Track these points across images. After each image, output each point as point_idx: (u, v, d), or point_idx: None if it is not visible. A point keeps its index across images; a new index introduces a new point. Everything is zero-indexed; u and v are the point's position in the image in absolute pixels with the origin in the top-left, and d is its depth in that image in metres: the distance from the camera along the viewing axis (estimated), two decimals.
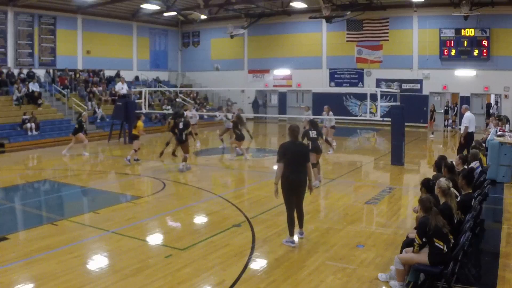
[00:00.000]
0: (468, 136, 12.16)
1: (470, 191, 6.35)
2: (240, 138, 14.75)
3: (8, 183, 11.49)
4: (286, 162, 6.58)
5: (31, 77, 22.52)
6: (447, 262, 4.79)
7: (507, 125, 14.04)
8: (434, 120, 21.61)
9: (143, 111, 19.41)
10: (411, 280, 5.26)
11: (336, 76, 27.56)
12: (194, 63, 32.44)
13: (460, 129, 14.67)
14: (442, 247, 4.74)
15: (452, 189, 5.43)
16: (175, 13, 26.62)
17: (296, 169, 6.63)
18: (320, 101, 26.68)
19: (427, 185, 5.88)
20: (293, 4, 25.68)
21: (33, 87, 21.48)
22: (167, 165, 13.78)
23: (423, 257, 4.87)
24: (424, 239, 4.86)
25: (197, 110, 23.39)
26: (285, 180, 6.61)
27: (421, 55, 24.86)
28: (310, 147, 10.04)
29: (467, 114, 12.50)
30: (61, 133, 20.27)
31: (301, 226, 6.99)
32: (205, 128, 24.40)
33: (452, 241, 5.03)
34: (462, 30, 23.32)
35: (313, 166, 10.31)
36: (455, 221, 5.32)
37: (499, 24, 22.49)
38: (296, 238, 6.83)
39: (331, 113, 16.02)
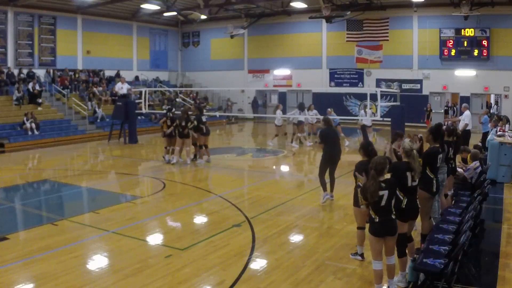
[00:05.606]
0: (465, 132, 12.93)
1: (437, 145, 6.33)
2: (205, 133, 13.21)
3: (8, 183, 11.50)
4: (327, 143, 8.92)
5: (31, 77, 22.50)
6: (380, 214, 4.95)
7: (507, 125, 14.05)
8: (431, 120, 21.72)
9: (143, 111, 19.47)
10: (411, 280, 5.26)
11: (336, 76, 27.54)
12: (194, 63, 32.41)
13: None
14: (374, 217, 4.88)
15: (414, 151, 5.42)
16: (175, 13, 26.63)
17: (334, 147, 9.01)
18: (320, 101, 26.70)
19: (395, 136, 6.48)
20: (293, 4, 25.65)
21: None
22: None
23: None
24: (363, 175, 5.15)
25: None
26: (325, 154, 8.92)
27: (421, 55, 24.83)
28: (205, 130, 12.95)
29: (467, 112, 13.36)
30: (61, 133, 20.30)
31: (332, 190, 9.08)
32: None
33: (405, 201, 5.21)
34: (462, 30, 23.29)
35: (202, 147, 13.32)
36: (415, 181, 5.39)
37: (499, 24, 22.48)
38: (328, 193, 8.98)
39: (279, 111, 17.66)
